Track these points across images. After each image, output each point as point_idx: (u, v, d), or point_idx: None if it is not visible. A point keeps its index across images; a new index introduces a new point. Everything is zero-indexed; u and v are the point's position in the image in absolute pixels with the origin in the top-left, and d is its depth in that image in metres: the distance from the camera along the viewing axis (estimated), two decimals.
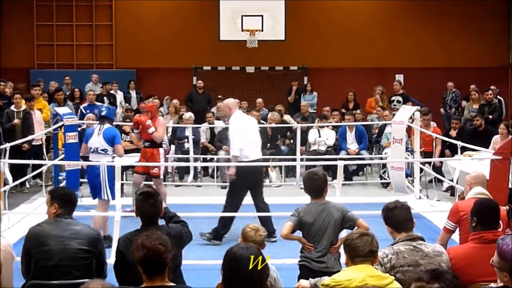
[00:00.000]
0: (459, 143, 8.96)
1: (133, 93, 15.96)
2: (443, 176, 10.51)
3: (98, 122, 8.32)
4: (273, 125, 12.28)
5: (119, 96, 15.58)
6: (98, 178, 7.88)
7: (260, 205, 8.21)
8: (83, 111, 12.76)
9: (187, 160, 11.65)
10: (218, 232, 8.05)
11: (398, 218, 4.30)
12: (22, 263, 4.46)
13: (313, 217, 5.15)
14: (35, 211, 9.17)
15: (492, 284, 3.74)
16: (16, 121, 11.00)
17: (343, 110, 13.87)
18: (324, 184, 5.28)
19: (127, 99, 15.74)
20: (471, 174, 5.61)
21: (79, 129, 10.38)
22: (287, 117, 13.27)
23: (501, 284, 3.60)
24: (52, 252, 4.34)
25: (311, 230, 5.14)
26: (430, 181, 10.97)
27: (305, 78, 17.17)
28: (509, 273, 3.45)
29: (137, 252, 3.53)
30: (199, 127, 12.40)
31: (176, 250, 4.45)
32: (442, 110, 15.48)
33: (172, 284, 3.57)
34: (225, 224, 8.06)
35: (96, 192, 8.02)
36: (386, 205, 4.43)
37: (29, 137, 10.61)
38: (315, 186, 5.25)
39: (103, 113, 8.15)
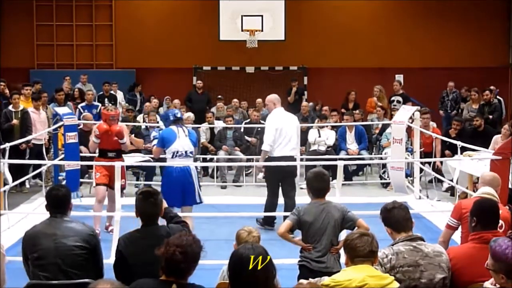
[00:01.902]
0: (459, 143, 8.95)
1: (137, 95, 16.00)
2: (443, 176, 10.51)
3: (173, 125, 7.65)
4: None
5: (119, 96, 15.58)
6: (192, 183, 7.49)
7: (287, 201, 8.56)
8: (81, 110, 12.81)
9: None
10: (267, 220, 8.65)
11: (397, 218, 4.30)
12: (24, 265, 4.47)
13: (313, 216, 5.16)
14: (35, 211, 9.17)
15: (487, 284, 3.73)
16: (14, 121, 11.00)
17: (343, 110, 13.87)
18: (329, 185, 5.34)
19: (133, 102, 15.69)
20: (484, 173, 5.65)
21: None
22: None
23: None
24: (46, 251, 4.35)
25: (311, 230, 5.14)
26: (430, 181, 10.97)
27: (305, 78, 17.17)
28: (505, 274, 3.45)
29: (161, 248, 3.53)
30: (199, 127, 12.39)
31: None
32: (441, 112, 15.45)
33: (186, 282, 3.56)
34: (268, 219, 8.63)
35: (188, 198, 7.50)
36: (384, 206, 4.43)
37: (29, 137, 10.60)
38: (322, 186, 5.27)
39: (178, 115, 7.74)
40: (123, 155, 8.66)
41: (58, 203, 4.56)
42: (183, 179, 7.43)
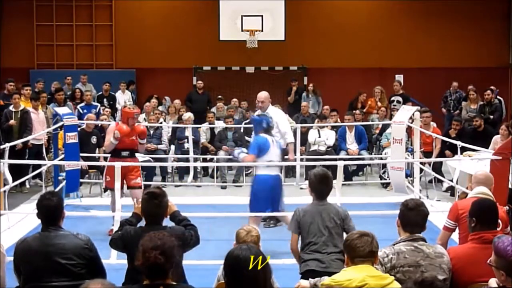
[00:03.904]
0: (459, 143, 8.96)
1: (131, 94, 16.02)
2: (443, 176, 10.51)
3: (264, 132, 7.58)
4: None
5: (127, 95, 15.55)
6: (282, 191, 7.58)
7: None
8: (80, 110, 12.84)
9: (187, 160, 11.64)
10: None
11: (411, 220, 4.27)
12: (15, 273, 4.38)
13: (311, 217, 5.15)
14: (35, 211, 9.13)
15: (493, 284, 3.73)
16: (12, 121, 10.98)
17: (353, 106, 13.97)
18: (332, 185, 5.35)
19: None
20: (476, 173, 5.60)
21: (78, 129, 10.41)
22: None
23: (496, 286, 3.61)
24: (40, 272, 4.20)
25: (310, 230, 5.14)
26: (430, 181, 10.97)
27: (305, 78, 17.16)
28: (505, 271, 3.46)
29: (138, 257, 3.52)
30: (199, 127, 12.40)
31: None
32: (444, 109, 15.43)
33: (173, 283, 3.56)
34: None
35: (275, 205, 7.52)
36: (407, 201, 4.37)
37: (29, 137, 10.60)
38: (325, 188, 5.27)
39: (271, 124, 7.62)
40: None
41: (50, 214, 4.40)
42: (277, 187, 7.49)
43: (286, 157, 9.06)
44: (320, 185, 5.25)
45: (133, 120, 8.36)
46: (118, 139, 8.15)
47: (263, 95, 8.92)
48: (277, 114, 8.90)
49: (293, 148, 8.91)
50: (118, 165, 7.71)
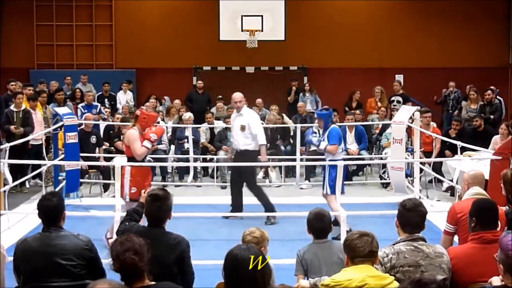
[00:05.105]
0: (459, 143, 8.95)
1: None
2: (443, 176, 10.51)
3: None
4: (271, 125, 12.12)
5: (128, 96, 15.54)
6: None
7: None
8: (82, 110, 12.85)
9: (187, 160, 11.64)
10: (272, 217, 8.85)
11: (410, 220, 4.26)
12: (14, 274, 4.38)
13: (312, 255, 5.07)
14: (35, 211, 9.13)
15: (496, 281, 3.73)
16: (12, 127, 10.86)
17: (346, 109, 13.90)
18: (330, 225, 5.22)
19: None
20: (469, 173, 5.58)
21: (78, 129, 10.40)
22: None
23: (498, 284, 3.61)
24: (40, 273, 4.21)
25: (311, 268, 5.08)
26: (430, 181, 10.97)
27: (305, 78, 17.17)
28: (503, 265, 3.47)
29: (114, 263, 3.56)
30: (199, 127, 12.40)
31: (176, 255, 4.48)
32: (443, 113, 15.44)
33: (152, 283, 3.58)
34: (271, 208, 8.80)
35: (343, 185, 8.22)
36: (405, 201, 4.37)
37: (29, 137, 10.60)
38: (322, 226, 5.17)
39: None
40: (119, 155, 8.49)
41: (51, 215, 4.41)
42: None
43: (259, 156, 9.21)
44: (316, 223, 5.15)
45: (153, 125, 7.66)
46: (154, 142, 7.55)
47: (238, 95, 9.27)
48: (250, 116, 9.13)
49: (265, 150, 9.02)
50: (118, 164, 7.67)
